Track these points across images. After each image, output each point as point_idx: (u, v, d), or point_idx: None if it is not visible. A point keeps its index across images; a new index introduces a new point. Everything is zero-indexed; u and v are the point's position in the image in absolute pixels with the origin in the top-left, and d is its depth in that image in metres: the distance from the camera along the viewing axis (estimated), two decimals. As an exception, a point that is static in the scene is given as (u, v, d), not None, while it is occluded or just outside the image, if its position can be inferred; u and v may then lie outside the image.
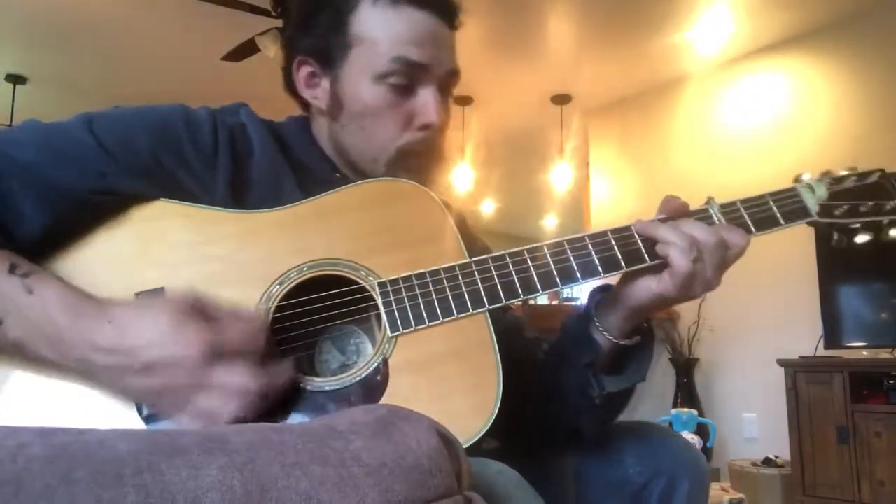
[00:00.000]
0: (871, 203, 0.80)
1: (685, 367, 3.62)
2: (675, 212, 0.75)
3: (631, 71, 4.00)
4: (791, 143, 3.49)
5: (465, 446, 0.60)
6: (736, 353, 3.57)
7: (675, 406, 3.51)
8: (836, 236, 0.81)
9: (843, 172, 0.82)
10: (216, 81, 4.09)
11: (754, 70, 3.72)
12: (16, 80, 4.15)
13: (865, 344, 2.93)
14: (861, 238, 0.81)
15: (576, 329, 0.79)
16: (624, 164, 4.31)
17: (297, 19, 0.81)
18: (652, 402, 3.88)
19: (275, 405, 0.62)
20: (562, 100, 4.39)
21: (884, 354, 2.85)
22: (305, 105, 0.88)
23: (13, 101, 4.19)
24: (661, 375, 3.83)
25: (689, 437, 3.03)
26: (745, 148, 3.69)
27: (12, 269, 0.60)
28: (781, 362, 2.99)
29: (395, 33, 0.77)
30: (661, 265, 0.71)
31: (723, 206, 0.77)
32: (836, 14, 3.33)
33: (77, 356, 0.58)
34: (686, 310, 3.73)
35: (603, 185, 4.43)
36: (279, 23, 3.07)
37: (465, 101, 4.34)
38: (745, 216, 0.76)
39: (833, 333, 3.00)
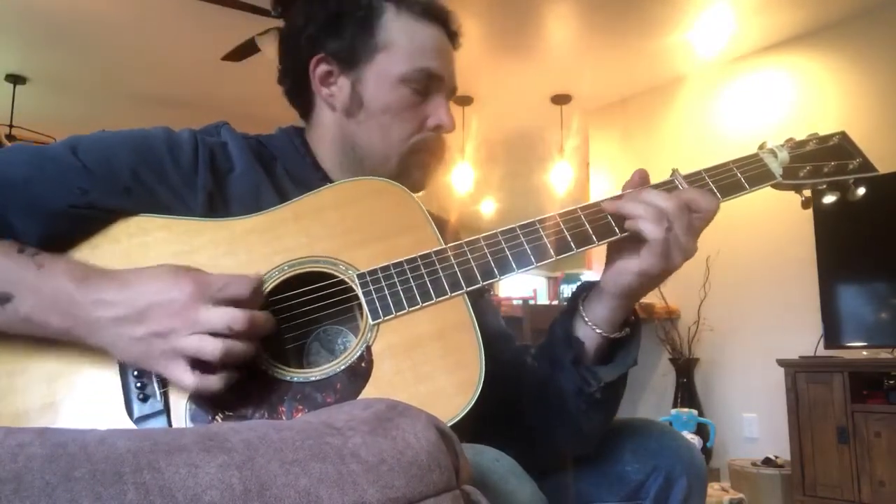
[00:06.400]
0: (833, 163, 0.83)
1: (685, 367, 3.62)
2: (638, 184, 0.77)
3: (631, 71, 3.99)
4: (797, 143, 3.46)
5: (451, 423, 0.62)
6: (736, 353, 3.56)
7: (675, 406, 3.51)
8: (803, 198, 0.84)
9: (804, 138, 0.85)
10: (216, 81, 4.10)
11: (759, 68, 3.69)
12: (16, 80, 4.14)
13: (865, 344, 2.93)
14: (828, 198, 0.85)
15: (562, 328, 0.80)
16: (624, 165, 4.30)
17: (321, 21, 0.86)
18: (652, 402, 3.88)
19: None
20: (562, 100, 4.38)
21: (884, 354, 2.85)
22: (306, 108, 0.90)
23: (13, 101, 4.19)
24: (661, 375, 3.83)
25: (690, 436, 3.03)
26: (748, 148, 3.65)
27: (21, 250, 0.65)
28: (781, 362, 2.99)
29: (419, 44, 0.85)
30: (635, 241, 0.73)
31: (687, 176, 0.80)
32: (843, 11, 3.31)
33: (84, 316, 0.62)
34: (686, 310, 3.73)
35: (603, 186, 4.42)
36: (279, 23, 3.07)
37: (465, 101, 4.34)
38: (710, 184, 0.79)
39: (833, 333, 3.00)
